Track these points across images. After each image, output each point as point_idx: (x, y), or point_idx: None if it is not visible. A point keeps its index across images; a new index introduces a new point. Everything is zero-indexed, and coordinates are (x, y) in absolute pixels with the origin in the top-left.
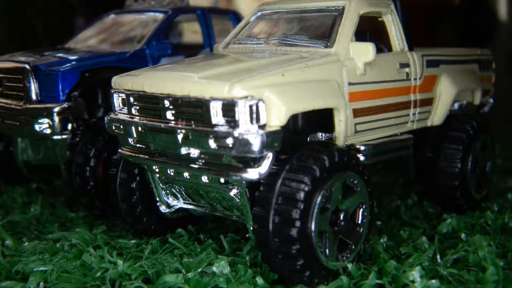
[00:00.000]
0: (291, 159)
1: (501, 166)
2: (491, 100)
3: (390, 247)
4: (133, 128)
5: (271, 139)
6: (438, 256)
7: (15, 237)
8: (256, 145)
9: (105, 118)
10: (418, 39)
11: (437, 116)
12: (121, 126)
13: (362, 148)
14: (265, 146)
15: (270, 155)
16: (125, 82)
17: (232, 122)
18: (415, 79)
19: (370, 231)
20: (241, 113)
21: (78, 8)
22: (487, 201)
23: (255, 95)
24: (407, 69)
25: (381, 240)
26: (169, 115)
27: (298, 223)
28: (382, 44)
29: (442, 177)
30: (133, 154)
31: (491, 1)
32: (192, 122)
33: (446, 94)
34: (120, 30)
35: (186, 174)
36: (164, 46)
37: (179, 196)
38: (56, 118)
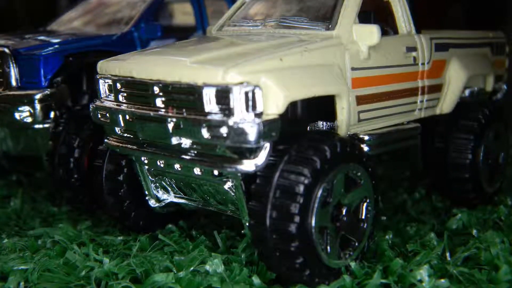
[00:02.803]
0: (289, 150)
1: None
2: (504, 87)
3: (396, 244)
4: (120, 116)
5: (268, 128)
6: (447, 254)
7: None
8: (252, 135)
9: (90, 105)
10: (426, 21)
11: (446, 104)
12: (108, 115)
13: (366, 138)
14: (262, 135)
15: (267, 145)
16: (112, 67)
17: (227, 110)
18: (422, 63)
19: (374, 227)
20: (236, 100)
21: None
22: (500, 195)
23: (251, 81)
24: (414, 53)
25: (386, 236)
26: (159, 102)
27: (297, 219)
28: (388, 26)
29: (451, 169)
30: (120, 145)
31: None
32: (184, 110)
33: (456, 80)
34: (106, 11)
35: (177, 166)
36: (153, 29)
37: (169, 189)
38: (38, 106)
